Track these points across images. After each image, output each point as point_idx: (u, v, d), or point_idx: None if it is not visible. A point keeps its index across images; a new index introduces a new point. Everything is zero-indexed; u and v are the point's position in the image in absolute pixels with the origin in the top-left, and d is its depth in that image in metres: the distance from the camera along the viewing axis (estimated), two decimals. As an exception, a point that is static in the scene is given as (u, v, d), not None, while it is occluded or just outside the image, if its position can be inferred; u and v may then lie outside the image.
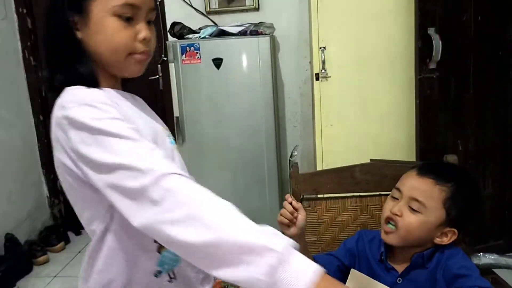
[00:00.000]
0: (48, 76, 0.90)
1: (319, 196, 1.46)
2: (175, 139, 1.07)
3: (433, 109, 2.41)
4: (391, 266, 1.16)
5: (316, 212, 1.43)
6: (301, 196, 1.43)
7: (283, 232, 1.09)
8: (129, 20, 0.87)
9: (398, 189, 1.13)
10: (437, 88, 2.39)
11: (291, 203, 1.10)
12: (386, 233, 1.12)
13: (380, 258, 1.17)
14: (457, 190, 1.09)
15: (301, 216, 1.11)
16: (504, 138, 2.55)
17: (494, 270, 1.18)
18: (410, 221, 1.09)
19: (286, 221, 1.10)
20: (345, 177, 1.40)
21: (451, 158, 1.36)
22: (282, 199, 2.79)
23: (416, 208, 1.08)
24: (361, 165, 1.40)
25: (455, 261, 1.08)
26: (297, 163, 1.42)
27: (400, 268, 1.15)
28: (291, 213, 1.10)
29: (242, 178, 2.74)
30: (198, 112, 2.68)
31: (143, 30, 0.89)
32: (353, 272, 1.00)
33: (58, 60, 0.89)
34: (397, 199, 1.12)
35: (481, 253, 1.18)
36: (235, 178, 2.74)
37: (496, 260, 1.17)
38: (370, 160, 1.42)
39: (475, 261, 1.17)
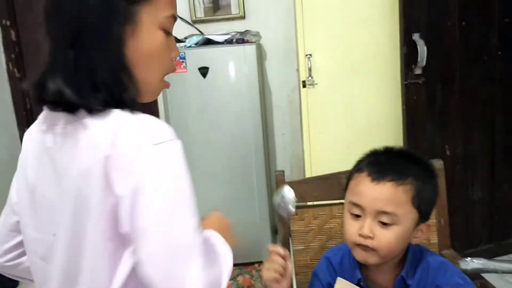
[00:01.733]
0: (83, 94, 0.70)
1: (306, 204, 1.44)
2: None
3: (419, 114, 2.41)
4: None
5: (303, 220, 1.41)
6: (288, 205, 1.41)
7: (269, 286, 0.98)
8: (168, 34, 0.78)
9: (357, 205, 0.94)
10: (423, 94, 2.39)
11: (281, 255, 0.97)
12: (364, 251, 0.93)
13: (358, 283, 1.01)
14: (421, 181, 0.93)
15: (290, 264, 0.98)
16: (491, 142, 2.55)
17: (483, 275, 1.16)
18: (387, 239, 0.90)
19: (279, 276, 0.96)
20: (332, 184, 1.38)
21: (437, 163, 1.36)
22: (271, 207, 2.78)
23: (388, 221, 0.90)
24: (348, 172, 1.38)
25: (447, 280, 0.96)
26: (283, 171, 1.40)
27: None
28: (283, 266, 0.96)
29: (231, 187, 2.72)
30: (185, 122, 2.66)
31: (175, 46, 0.80)
32: (340, 281, 0.92)
33: (102, 76, 0.70)
34: (359, 215, 0.94)
35: (469, 258, 1.15)
36: (223, 187, 2.72)
37: (484, 265, 1.15)
38: (357, 166, 1.41)
39: (463, 266, 1.15)
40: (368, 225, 0.91)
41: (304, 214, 1.41)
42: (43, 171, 0.75)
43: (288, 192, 1.01)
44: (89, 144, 0.68)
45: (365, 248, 0.92)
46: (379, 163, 0.96)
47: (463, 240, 2.47)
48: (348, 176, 1.02)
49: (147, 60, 0.74)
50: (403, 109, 2.41)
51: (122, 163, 0.65)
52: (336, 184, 1.38)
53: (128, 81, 0.72)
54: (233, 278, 2.67)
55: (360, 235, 0.91)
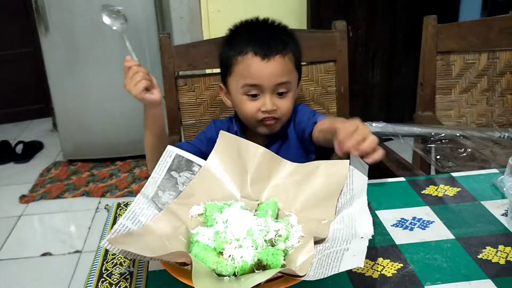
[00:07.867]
0: None
1: (197, 72, 1.27)
2: None
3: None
4: None
5: (194, 91, 1.25)
6: (176, 74, 1.23)
7: (143, 100, 0.98)
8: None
9: (254, 85, 0.97)
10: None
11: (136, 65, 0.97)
12: (268, 126, 1.01)
13: None
14: (293, 45, 1.00)
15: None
16: (393, 25, 2.52)
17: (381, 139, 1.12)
18: (286, 106, 1.00)
19: (148, 82, 0.95)
20: (226, 49, 1.22)
21: (340, 24, 1.24)
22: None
23: (284, 90, 0.99)
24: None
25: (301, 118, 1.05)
26: (168, 34, 1.20)
27: None
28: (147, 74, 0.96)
29: (121, 72, 2.45)
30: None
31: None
32: (223, 134, 0.84)
33: None
34: (256, 95, 0.98)
35: (368, 122, 1.09)
36: (112, 72, 2.43)
37: (383, 128, 1.11)
38: (253, 29, 1.25)
39: (362, 130, 1.08)
40: (270, 100, 0.97)
41: (195, 84, 1.25)
42: None
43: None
44: None
45: (270, 120, 0.99)
46: (259, 40, 0.97)
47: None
48: (226, 60, 1.01)
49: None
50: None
51: None
52: (230, 49, 1.22)
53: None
54: (129, 170, 2.52)
55: (265, 111, 0.98)
